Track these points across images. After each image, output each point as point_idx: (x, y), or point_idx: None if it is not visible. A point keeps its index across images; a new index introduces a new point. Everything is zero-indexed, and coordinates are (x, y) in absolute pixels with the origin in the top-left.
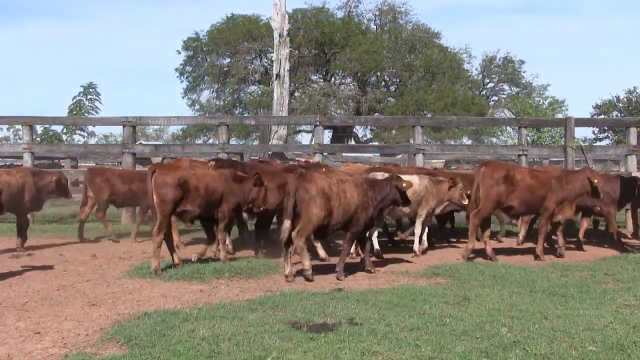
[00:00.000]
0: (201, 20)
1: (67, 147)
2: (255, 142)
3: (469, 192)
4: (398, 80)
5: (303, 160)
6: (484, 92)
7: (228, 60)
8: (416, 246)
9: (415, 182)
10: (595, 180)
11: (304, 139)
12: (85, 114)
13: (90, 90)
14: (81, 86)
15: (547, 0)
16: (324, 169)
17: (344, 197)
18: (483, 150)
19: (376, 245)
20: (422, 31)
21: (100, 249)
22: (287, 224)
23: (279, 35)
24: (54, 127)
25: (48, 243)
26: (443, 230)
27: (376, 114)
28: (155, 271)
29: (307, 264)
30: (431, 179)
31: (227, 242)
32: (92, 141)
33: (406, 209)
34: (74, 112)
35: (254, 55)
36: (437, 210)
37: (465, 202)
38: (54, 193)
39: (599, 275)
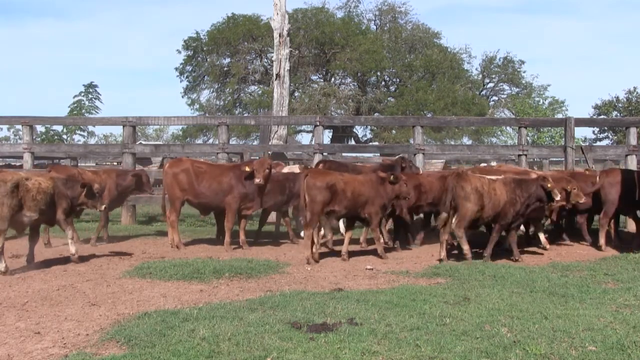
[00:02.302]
0: (201, 20)
1: (67, 147)
2: (255, 142)
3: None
4: (398, 80)
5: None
6: (484, 92)
7: (228, 60)
8: (543, 240)
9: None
10: (549, 185)
11: (304, 139)
12: (86, 114)
13: (91, 90)
14: (83, 85)
15: (547, 0)
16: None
17: (494, 194)
18: (483, 150)
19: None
20: (422, 31)
21: (100, 249)
22: (444, 215)
23: (279, 35)
24: (54, 127)
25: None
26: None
27: (376, 114)
28: (307, 260)
29: (465, 247)
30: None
31: (384, 237)
32: (92, 141)
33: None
34: (75, 112)
35: (254, 55)
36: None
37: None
38: (135, 189)
39: (599, 275)
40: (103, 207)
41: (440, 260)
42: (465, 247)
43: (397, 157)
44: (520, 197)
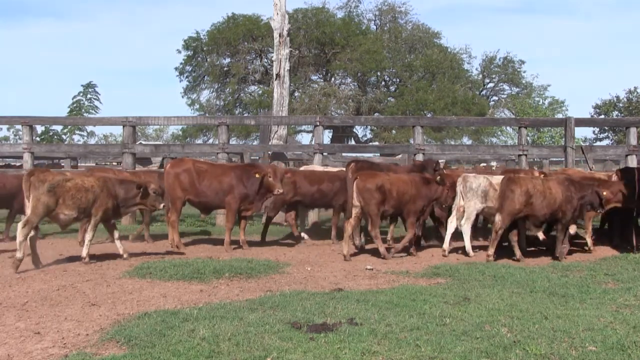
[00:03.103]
0: (201, 20)
1: (67, 147)
2: (255, 142)
3: None
4: (398, 80)
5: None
6: (484, 92)
7: (228, 60)
8: (541, 236)
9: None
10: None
11: (304, 139)
12: (85, 114)
13: (89, 90)
14: (81, 85)
15: (547, 0)
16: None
17: (549, 194)
18: (483, 150)
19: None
20: (422, 31)
21: (100, 249)
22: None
23: (279, 35)
24: (54, 127)
25: (48, 243)
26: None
27: (376, 114)
28: (384, 256)
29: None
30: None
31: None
32: (92, 141)
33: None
34: (74, 112)
35: (254, 55)
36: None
37: None
38: None
39: (599, 275)
40: (162, 205)
41: (490, 257)
42: (516, 246)
43: (426, 159)
44: (574, 196)
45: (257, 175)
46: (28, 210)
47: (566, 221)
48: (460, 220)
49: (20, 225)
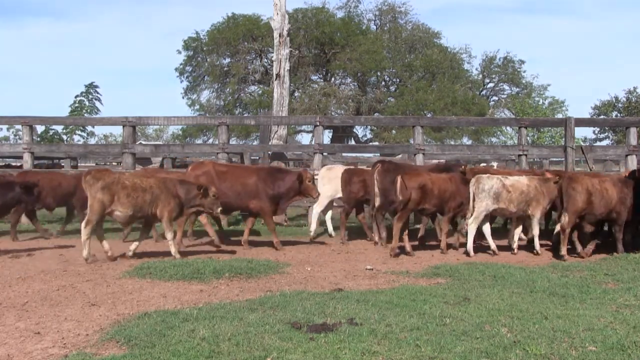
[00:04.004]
0: (201, 20)
1: (67, 147)
2: (255, 142)
3: None
4: (398, 80)
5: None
6: (484, 92)
7: (228, 60)
8: (537, 245)
9: (523, 183)
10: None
11: (304, 139)
12: (86, 114)
13: (91, 90)
14: (84, 85)
15: (547, 0)
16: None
17: (605, 193)
18: (483, 150)
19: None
20: (422, 31)
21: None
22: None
23: (279, 35)
24: (54, 127)
25: (49, 244)
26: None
27: (376, 114)
28: (406, 253)
29: (579, 248)
30: (540, 179)
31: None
32: (92, 141)
33: (513, 208)
34: (76, 112)
35: (254, 55)
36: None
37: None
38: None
39: (599, 275)
40: (219, 209)
41: (561, 255)
42: (579, 248)
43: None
44: (628, 196)
45: (307, 181)
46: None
47: (621, 221)
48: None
49: (82, 225)
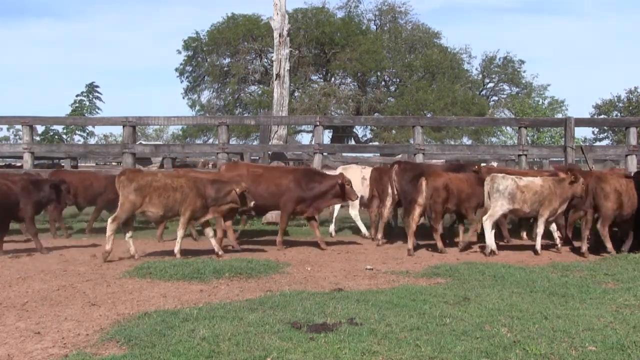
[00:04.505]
0: (201, 20)
1: (67, 147)
2: (255, 142)
3: None
4: (398, 80)
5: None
6: (484, 92)
7: (228, 60)
8: (538, 245)
9: (536, 184)
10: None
11: (304, 139)
12: (87, 114)
13: (92, 90)
14: (86, 85)
15: (547, 0)
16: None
17: (632, 194)
18: (483, 150)
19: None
20: (422, 31)
21: (100, 249)
22: (589, 215)
23: (279, 35)
24: (54, 127)
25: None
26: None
27: (376, 114)
28: (441, 250)
29: (609, 246)
30: (554, 180)
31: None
32: (92, 141)
33: (527, 209)
34: (76, 112)
35: (254, 55)
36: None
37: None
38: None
39: (599, 275)
40: (252, 203)
41: (583, 253)
42: (609, 246)
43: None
44: None
45: (346, 184)
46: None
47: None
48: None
49: (109, 220)
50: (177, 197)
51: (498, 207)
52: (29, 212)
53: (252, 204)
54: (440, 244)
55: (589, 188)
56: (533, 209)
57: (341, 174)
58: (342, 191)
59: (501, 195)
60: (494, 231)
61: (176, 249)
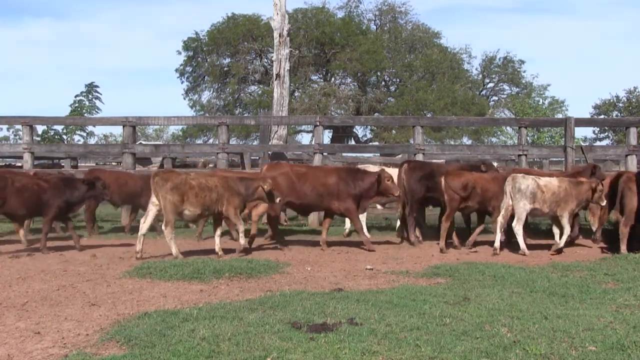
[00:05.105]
0: (201, 20)
1: (67, 147)
2: (255, 142)
3: None
4: (398, 80)
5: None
6: (484, 92)
7: (228, 60)
8: (562, 244)
9: (554, 184)
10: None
11: (304, 139)
12: (86, 114)
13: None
14: (85, 85)
15: (547, 0)
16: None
17: None
18: (483, 150)
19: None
20: (422, 31)
21: (100, 249)
22: (617, 214)
23: (279, 35)
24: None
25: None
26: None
27: (376, 114)
28: (441, 250)
29: (623, 247)
30: (571, 181)
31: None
32: (92, 141)
33: (546, 209)
34: (76, 112)
35: (254, 55)
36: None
37: (604, 203)
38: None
39: (599, 275)
40: (278, 199)
41: (621, 252)
42: (623, 247)
43: (478, 160)
44: None
45: (387, 180)
46: (149, 206)
47: None
48: (505, 219)
49: (163, 226)
50: (213, 197)
51: (521, 207)
52: (52, 211)
53: (278, 200)
54: (442, 243)
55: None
56: (551, 210)
57: (382, 170)
58: (379, 186)
59: (523, 195)
60: (521, 232)
61: (242, 242)
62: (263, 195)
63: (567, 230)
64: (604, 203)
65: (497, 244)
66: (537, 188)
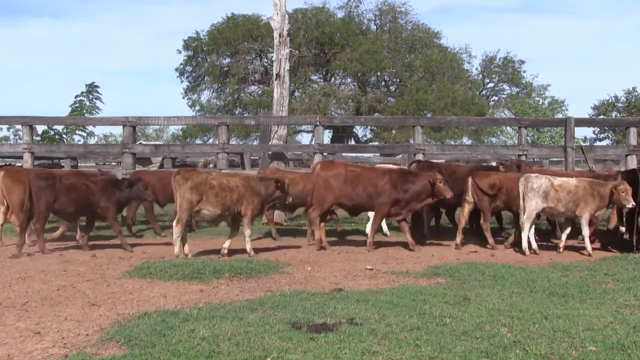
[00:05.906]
0: (201, 20)
1: (67, 147)
2: (255, 142)
3: None
4: (398, 80)
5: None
6: (484, 92)
7: (228, 60)
8: (588, 247)
9: (572, 184)
10: None
11: (304, 139)
12: (87, 114)
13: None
14: (85, 85)
15: (547, 0)
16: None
17: None
18: (483, 150)
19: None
20: (422, 31)
21: (100, 249)
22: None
23: (279, 35)
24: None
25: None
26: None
27: (376, 114)
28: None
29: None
30: (592, 182)
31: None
32: (92, 141)
33: (562, 209)
34: (76, 111)
35: (254, 55)
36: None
37: (630, 205)
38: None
39: (599, 275)
40: (290, 199)
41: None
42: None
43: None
44: None
45: (439, 183)
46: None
47: None
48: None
49: (174, 224)
50: (233, 197)
51: (533, 206)
52: (111, 211)
53: (290, 200)
54: (491, 241)
55: None
56: (568, 209)
57: (434, 172)
58: (434, 190)
59: (535, 194)
60: (532, 231)
61: (248, 247)
62: (281, 194)
63: (585, 232)
64: (630, 205)
65: (524, 244)
66: (551, 187)
